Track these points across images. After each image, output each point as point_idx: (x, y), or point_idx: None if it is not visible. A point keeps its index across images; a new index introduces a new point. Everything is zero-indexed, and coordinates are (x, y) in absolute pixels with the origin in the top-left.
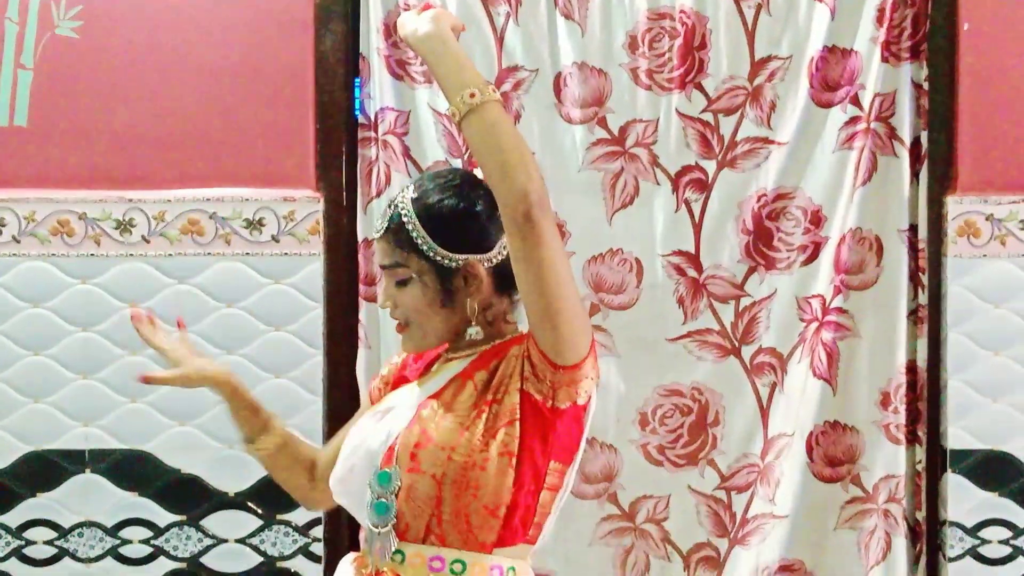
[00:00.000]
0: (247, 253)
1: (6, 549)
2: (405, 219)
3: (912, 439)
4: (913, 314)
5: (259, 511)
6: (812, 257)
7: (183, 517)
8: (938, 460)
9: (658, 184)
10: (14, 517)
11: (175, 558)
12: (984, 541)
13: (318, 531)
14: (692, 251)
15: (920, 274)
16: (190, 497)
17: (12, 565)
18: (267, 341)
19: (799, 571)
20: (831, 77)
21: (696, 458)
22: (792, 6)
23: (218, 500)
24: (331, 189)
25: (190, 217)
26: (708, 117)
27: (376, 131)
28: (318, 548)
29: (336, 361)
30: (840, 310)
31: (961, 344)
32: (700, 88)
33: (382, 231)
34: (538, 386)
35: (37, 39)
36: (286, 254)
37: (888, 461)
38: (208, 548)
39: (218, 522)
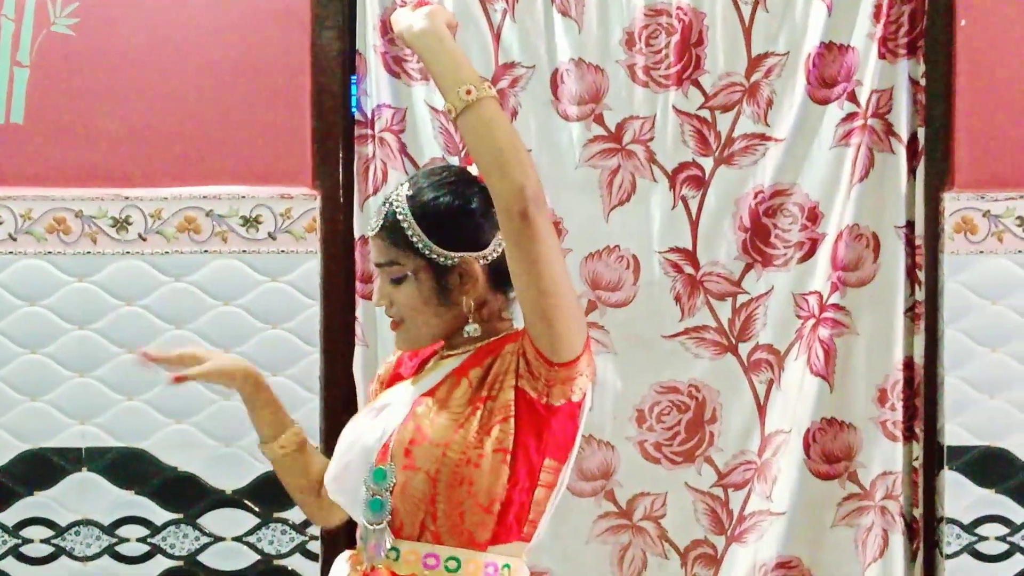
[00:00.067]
0: (244, 251)
1: (3, 548)
2: (400, 217)
3: (909, 436)
4: (910, 311)
5: (256, 509)
6: (809, 254)
7: (180, 515)
8: (935, 457)
9: (655, 181)
10: (11, 515)
11: (172, 556)
12: (981, 538)
13: (315, 529)
14: (689, 248)
15: (917, 271)
16: (187, 495)
17: (9, 564)
18: (264, 339)
19: (796, 568)
20: (828, 73)
21: (693, 455)
22: (789, 2)
23: (215, 498)
24: (328, 186)
25: (187, 215)
26: (705, 114)
27: (373, 128)
28: (315, 546)
29: (333, 359)
30: (837, 307)
31: (958, 340)
32: (697, 85)
33: (377, 229)
34: (533, 383)
35: (33, 36)
36: (283, 252)
37: (885, 458)
38: (205, 546)
39: (215, 520)
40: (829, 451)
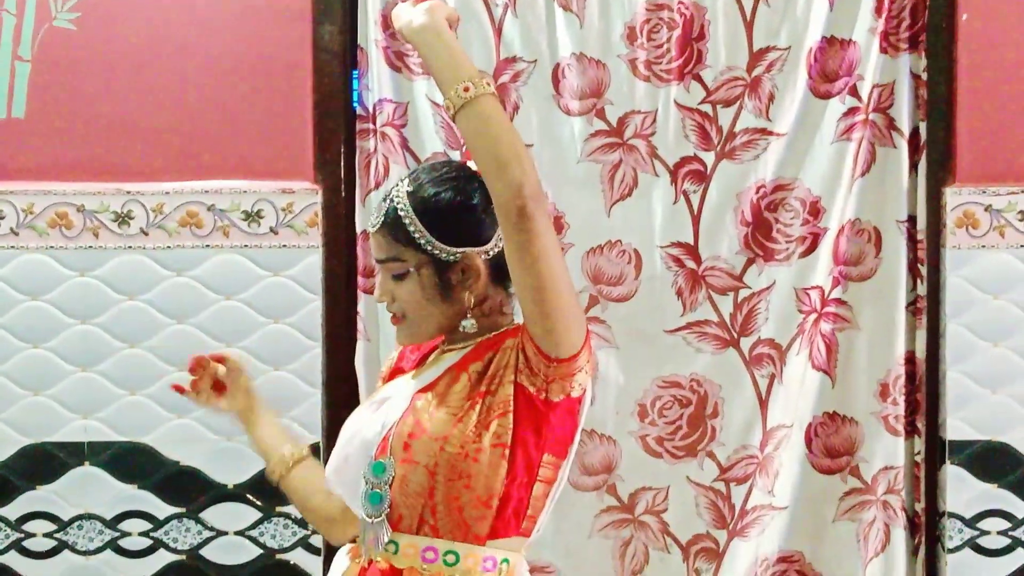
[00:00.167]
0: (245, 245)
1: (6, 541)
2: (402, 213)
3: (911, 430)
4: (912, 305)
5: (258, 503)
6: (811, 248)
7: (182, 509)
8: (937, 451)
9: (657, 175)
10: (13, 509)
11: (174, 550)
12: (983, 532)
13: None
14: (691, 242)
15: (919, 265)
16: (189, 489)
17: (12, 558)
18: (266, 333)
19: (798, 562)
20: (830, 68)
21: (695, 450)
22: None
23: (217, 492)
24: (329, 181)
25: (188, 209)
26: (707, 108)
27: (374, 123)
28: (317, 540)
29: (335, 353)
30: (839, 301)
31: (960, 335)
32: (699, 79)
33: (378, 225)
34: (532, 379)
35: (35, 31)
36: (285, 246)
37: (887, 452)
38: (207, 540)
39: (217, 514)
40: (831, 446)
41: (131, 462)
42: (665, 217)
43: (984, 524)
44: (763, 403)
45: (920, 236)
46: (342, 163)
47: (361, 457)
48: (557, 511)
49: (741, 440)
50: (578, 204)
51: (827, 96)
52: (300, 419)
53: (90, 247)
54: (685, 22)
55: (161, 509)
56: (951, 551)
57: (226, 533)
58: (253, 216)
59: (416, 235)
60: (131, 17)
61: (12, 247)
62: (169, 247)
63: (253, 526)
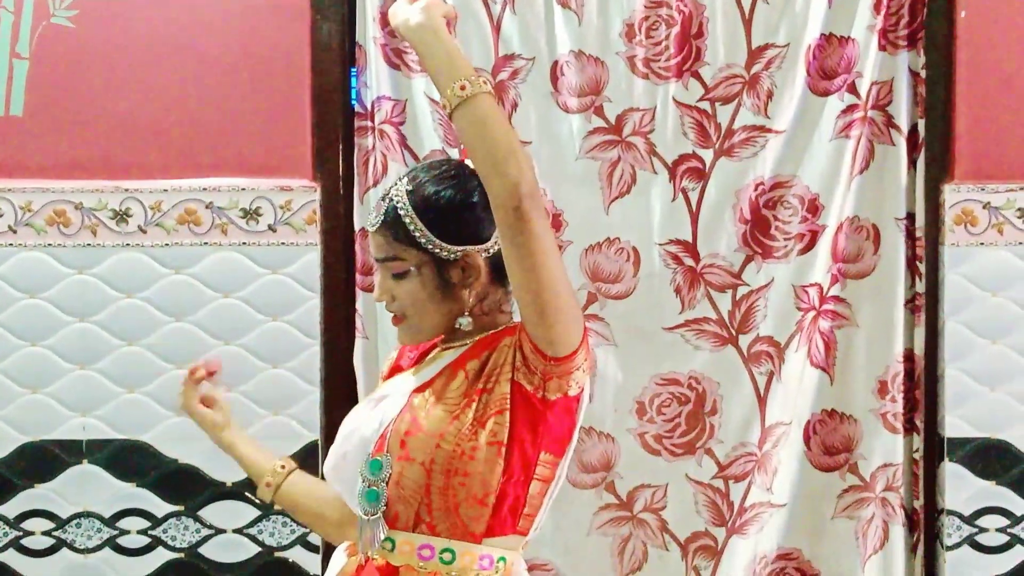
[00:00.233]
0: (244, 243)
1: (4, 540)
2: (401, 212)
3: (909, 428)
4: (910, 303)
5: (256, 501)
6: (809, 246)
7: (181, 507)
8: (935, 449)
9: (655, 173)
10: (12, 508)
11: (173, 548)
12: (981, 529)
13: None
14: (689, 240)
15: (917, 262)
16: (188, 487)
17: (10, 556)
18: (264, 331)
19: (796, 560)
20: (828, 65)
21: (694, 447)
22: None
23: (216, 490)
24: (328, 179)
25: (187, 207)
26: (705, 106)
27: (373, 120)
28: (316, 538)
29: (334, 351)
30: (837, 299)
31: (958, 333)
32: (697, 76)
33: (378, 225)
34: (529, 377)
35: (32, 28)
36: (283, 244)
37: (885, 450)
38: (206, 538)
39: (216, 512)
40: (829, 443)
41: (129, 460)
42: (664, 214)
43: (983, 521)
44: (762, 400)
45: (919, 233)
46: (340, 161)
47: (359, 454)
48: (556, 509)
49: (740, 438)
50: (577, 201)
51: (826, 93)
52: (298, 417)
53: (88, 245)
54: (684, 19)
55: (160, 507)
56: (950, 548)
57: (225, 531)
58: (251, 214)
59: (416, 234)
60: (129, 15)
61: (10, 245)
62: (167, 245)
63: (252, 524)
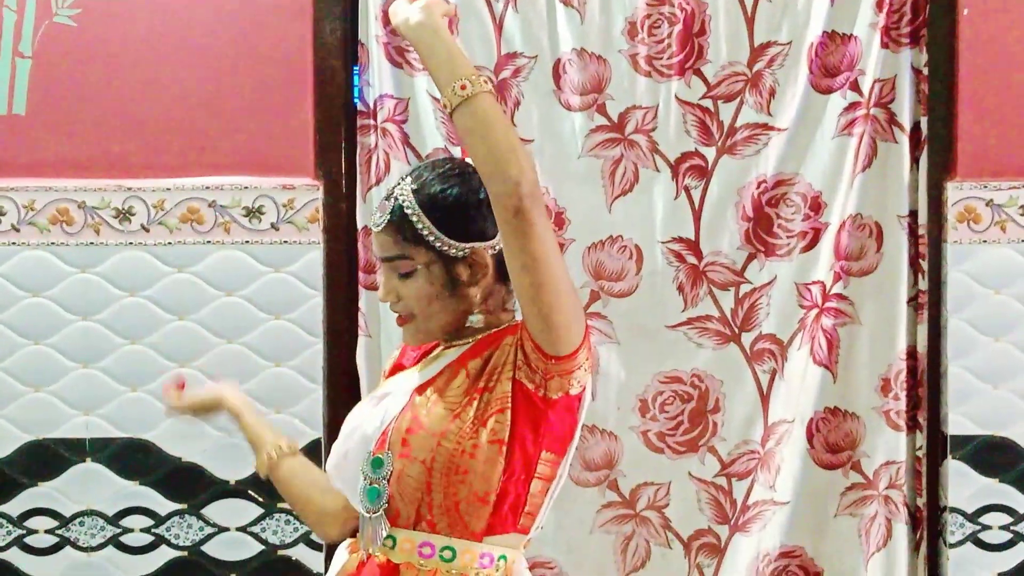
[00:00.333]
0: (246, 241)
1: (7, 538)
2: (408, 211)
3: (912, 425)
4: (913, 300)
5: (260, 499)
6: (812, 243)
7: (184, 505)
8: (938, 446)
9: (658, 171)
10: (15, 506)
11: (176, 546)
12: (985, 527)
13: None
14: (692, 238)
15: (920, 260)
16: (191, 485)
17: (13, 554)
18: (267, 330)
19: (799, 557)
20: (831, 63)
21: (696, 445)
22: None
23: (219, 488)
24: (330, 177)
25: (189, 205)
26: (708, 103)
27: (375, 119)
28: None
29: (336, 349)
30: (840, 296)
31: (961, 330)
32: (699, 74)
33: (383, 224)
34: (530, 375)
35: (35, 27)
36: (285, 242)
37: (888, 447)
38: (209, 536)
39: (219, 510)
40: (832, 441)
41: (133, 458)
42: (666, 212)
43: (986, 519)
44: (764, 398)
45: (921, 231)
46: (343, 159)
47: (360, 452)
48: (558, 507)
49: (742, 435)
50: (579, 200)
51: (828, 91)
52: (301, 415)
53: (91, 243)
54: (686, 17)
55: (163, 505)
56: (952, 546)
57: (228, 529)
58: (254, 212)
59: (424, 232)
60: (131, 13)
61: (13, 244)
62: (170, 243)
63: (255, 522)
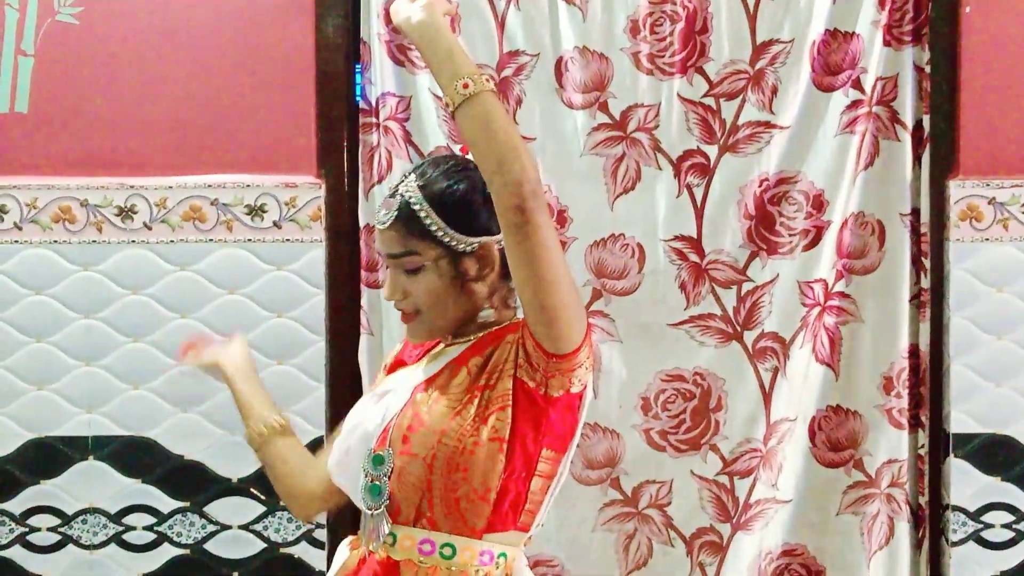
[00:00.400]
0: (249, 239)
1: (10, 536)
2: (416, 207)
3: (915, 423)
4: (915, 298)
5: (262, 497)
6: (814, 242)
7: (186, 503)
8: (941, 444)
9: (660, 169)
10: (18, 504)
11: (178, 544)
12: (987, 525)
13: (321, 518)
14: (694, 236)
15: (922, 258)
16: (193, 483)
17: (16, 552)
18: (269, 328)
19: (801, 556)
20: (833, 61)
21: (698, 443)
22: None
23: (221, 486)
24: (333, 175)
25: (192, 204)
26: (710, 101)
27: (377, 117)
28: (321, 534)
29: (338, 347)
30: (842, 295)
31: (963, 328)
32: (702, 72)
33: (390, 221)
34: (531, 373)
35: (38, 25)
36: (288, 240)
37: (891, 445)
38: (211, 534)
39: (221, 508)
40: (834, 439)
41: (135, 456)
42: (668, 210)
43: (988, 517)
44: (767, 396)
45: (924, 229)
46: (345, 157)
47: (361, 449)
48: (561, 505)
49: (745, 434)
50: (581, 198)
51: (830, 89)
52: (303, 413)
53: (93, 242)
54: (688, 15)
55: (165, 503)
56: (955, 544)
57: (230, 527)
58: (256, 210)
59: (433, 227)
60: (133, 12)
61: (15, 242)
62: (172, 241)
63: (257, 520)
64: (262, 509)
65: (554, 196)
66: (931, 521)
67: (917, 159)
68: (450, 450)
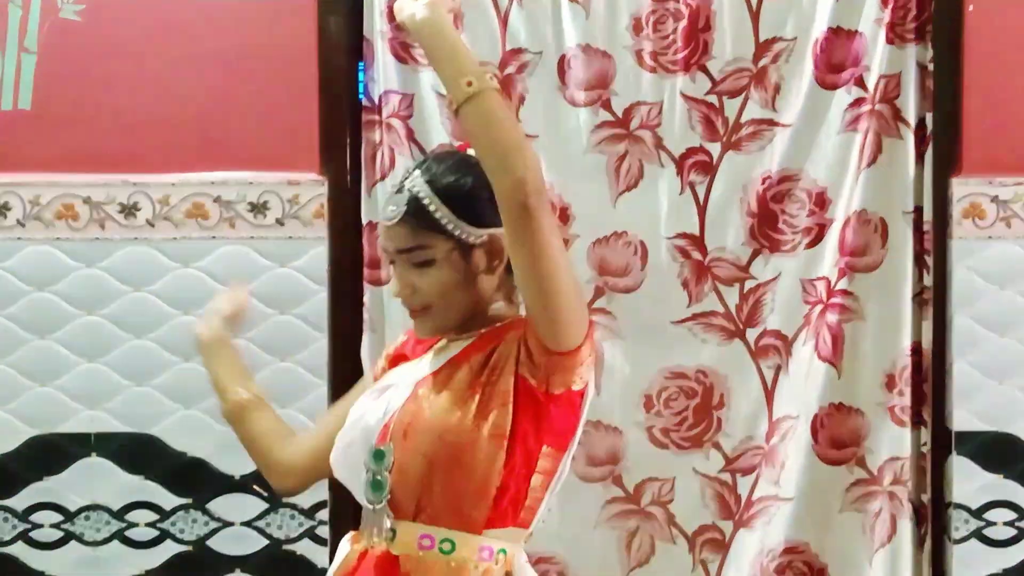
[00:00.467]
0: (252, 237)
1: (13, 532)
2: (426, 200)
3: (917, 421)
4: (918, 296)
5: (265, 494)
6: (817, 239)
7: (189, 500)
8: (943, 442)
9: (663, 166)
10: (20, 501)
11: (181, 541)
12: (989, 523)
13: (324, 514)
14: (697, 234)
15: (925, 256)
16: (196, 480)
17: (19, 548)
18: (272, 325)
19: (804, 553)
20: (836, 59)
21: (701, 441)
22: None
23: (224, 483)
24: (335, 172)
25: (195, 201)
26: (713, 99)
27: (380, 114)
28: (324, 531)
29: (341, 344)
30: (845, 292)
31: (966, 326)
32: (704, 70)
33: (398, 216)
34: (533, 370)
35: (40, 23)
36: (291, 237)
37: (893, 443)
38: (214, 531)
39: (224, 505)
40: (837, 436)
41: (138, 453)
42: (671, 208)
43: (990, 515)
44: (769, 394)
45: (926, 227)
46: (348, 154)
47: (363, 444)
48: (563, 502)
49: (747, 431)
50: (584, 195)
51: (833, 87)
52: (306, 410)
53: (96, 239)
54: (691, 13)
55: (168, 500)
56: (957, 542)
57: (233, 524)
58: (259, 208)
59: (443, 220)
60: (137, 9)
61: (18, 239)
62: (175, 239)
63: (259, 517)
64: (265, 506)
65: (557, 194)
66: (933, 519)
67: (920, 157)
68: (451, 446)
